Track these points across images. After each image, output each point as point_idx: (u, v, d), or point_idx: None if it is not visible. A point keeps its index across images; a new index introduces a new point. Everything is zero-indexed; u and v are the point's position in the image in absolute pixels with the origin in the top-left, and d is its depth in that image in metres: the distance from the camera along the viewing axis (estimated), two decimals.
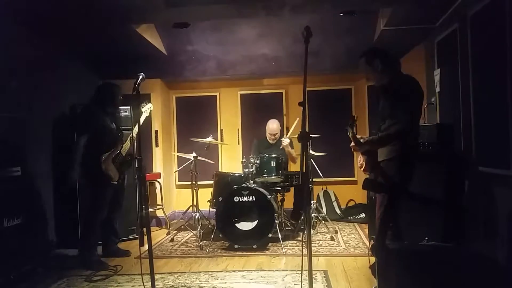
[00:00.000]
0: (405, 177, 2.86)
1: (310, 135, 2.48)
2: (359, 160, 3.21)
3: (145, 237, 2.72)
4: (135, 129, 4.05)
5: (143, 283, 2.93)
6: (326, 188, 6.06)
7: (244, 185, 4.47)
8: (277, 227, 4.38)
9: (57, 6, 3.73)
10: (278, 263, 3.94)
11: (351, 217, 5.74)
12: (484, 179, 3.36)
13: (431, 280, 1.87)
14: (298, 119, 5.51)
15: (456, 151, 3.81)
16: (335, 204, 5.93)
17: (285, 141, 5.01)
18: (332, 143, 5.74)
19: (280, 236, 4.35)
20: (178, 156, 5.99)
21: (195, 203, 4.99)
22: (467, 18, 3.54)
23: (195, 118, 6.32)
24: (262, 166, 4.64)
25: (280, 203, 5.01)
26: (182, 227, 5.27)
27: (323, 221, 5.21)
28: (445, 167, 3.58)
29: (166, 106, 6.23)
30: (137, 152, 2.78)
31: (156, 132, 5.94)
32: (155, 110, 5.88)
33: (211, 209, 4.95)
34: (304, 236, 4.60)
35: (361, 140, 3.00)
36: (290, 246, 4.48)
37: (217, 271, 3.72)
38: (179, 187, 6.39)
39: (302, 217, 4.79)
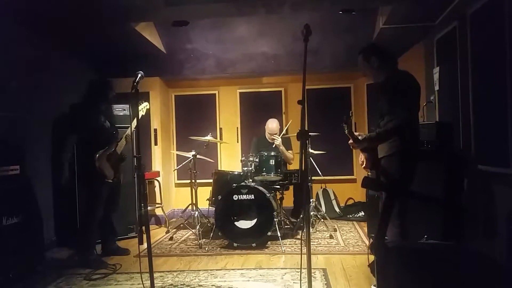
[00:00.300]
0: (407, 173, 2.85)
1: (309, 134, 2.48)
2: (360, 157, 3.21)
3: (144, 236, 2.71)
4: (131, 127, 4.04)
5: (142, 281, 2.93)
6: (325, 187, 6.07)
7: (243, 183, 4.47)
8: (276, 226, 4.38)
9: (57, 6, 3.73)
10: (277, 261, 3.94)
11: (350, 215, 5.75)
12: (483, 177, 3.36)
13: (430, 278, 1.87)
14: (291, 121, 5.53)
15: (455, 149, 3.81)
16: (334, 202, 5.93)
17: (277, 140, 5.00)
18: (331, 141, 5.74)
19: (279, 235, 4.35)
20: (177, 154, 5.99)
21: (194, 202, 4.99)
22: (467, 16, 3.54)
23: (194, 116, 6.32)
24: (261, 165, 4.65)
25: (279, 202, 5.02)
26: (181, 225, 5.27)
27: (322, 220, 5.21)
28: (444, 165, 3.58)
29: (165, 104, 6.23)
30: (136, 151, 2.77)
31: (155, 130, 5.94)
32: (154, 109, 5.88)
33: (210, 207, 4.95)
34: (303, 234, 4.62)
35: (359, 137, 3.00)
36: (289, 244, 4.49)
37: (216, 270, 3.72)
38: (178, 185, 6.39)
39: (301, 215, 4.81)
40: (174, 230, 5.26)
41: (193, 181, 4.95)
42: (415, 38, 4.86)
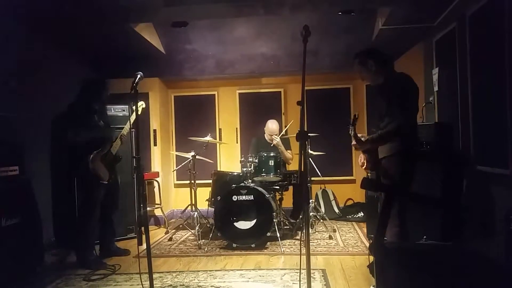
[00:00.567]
0: (407, 173, 2.88)
1: (309, 134, 2.49)
2: (360, 159, 3.23)
3: (144, 236, 2.72)
4: (126, 128, 4.01)
5: (141, 282, 2.93)
6: (325, 187, 6.07)
7: (242, 184, 4.47)
8: (276, 226, 4.38)
9: (57, 6, 3.73)
10: (277, 262, 3.94)
11: (350, 216, 5.75)
12: (482, 178, 3.36)
13: (429, 279, 1.87)
14: (292, 121, 5.53)
15: (455, 150, 3.81)
16: (333, 203, 5.94)
17: (276, 139, 5.02)
18: (331, 142, 5.75)
19: (278, 235, 4.35)
20: (176, 155, 5.99)
21: (193, 202, 4.99)
22: (466, 17, 3.54)
23: (193, 117, 6.32)
24: (260, 165, 4.65)
25: (278, 202, 5.02)
26: (181, 226, 5.27)
27: (321, 220, 5.22)
28: (443, 166, 3.58)
29: (164, 105, 6.23)
30: (135, 151, 2.77)
31: (155, 131, 5.94)
32: (154, 109, 5.89)
33: (209, 208, 4.94)
34: (302, 235, 4.62)
35: (362, 139, 3.03)
36: (288, 245, 4.49)
37: (216, 270, 3.72)
38: (177, 186, 6.39)
39: (301, 216, 4.81)
40: (174, 230, 5.26)
41: (193, 181, 4.95)
42: (414, 39, 4.87)
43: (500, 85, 2.96)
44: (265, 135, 5.28)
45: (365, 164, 3.13)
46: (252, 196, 4.35)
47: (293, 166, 5.41)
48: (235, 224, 4.34)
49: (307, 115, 2.90)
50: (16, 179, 3.60)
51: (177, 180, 6.34)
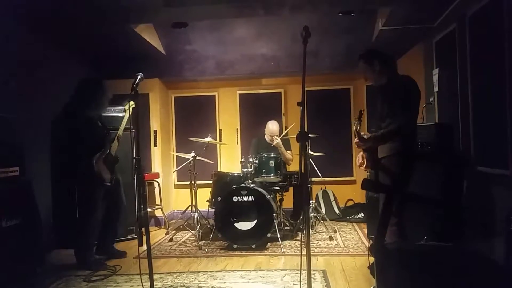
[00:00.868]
0: (406, 173, 2.90)
1: (309, 135, 2.49)
2: (358, 158, 3.24)
3: (144, 237, 2.71)
4: (121, 128, 4.00)
5: (141, 283, 2.93)
6: (325, 188, 6.07)
7: (243, 185, 4.47)
8: (276, 227, 4.38)
9: (57, 6, 3.73)
10: (277, 263, 3.94)
11: (350, 217, 5.75)
12: (483, 179, 3.36)
13: (429, 279, 1.87)
14: (294, 123, 5.53)
15: (455, 151, 3.81)
16: (334, 203, 5.94)
17: (276, 139, 5.02)
18: (331, 143, 5.75)
19: (279, 236, 4.35)
20: (176, 156, 5.99)
21: (194, 203, 4.99)
22: (466, 18, 3.55)
23: (193, 118, 6.32)
24: (261, 166, 4.65)
25: (279, 203, 5.02)
26: (181, 227, 5.27)
27: (322, 221, 5.22)
28: (444, 167, 3.58)
29: (164, 106, 6.23)
30: (136, 152, 2.77)
31: (155, 132, 5.94)
32: (154, 110, 5.89)
33: (210, 209, 4.94)
34: (303, 235, 4.62)
35: (365, 137, 3.05)
36: (289, 245, 4.48)
37: (216, 271, 3.72)
38: (177, 187, 6.39)
39: (301, 217, 4.81)
40: (174, 231, 5.26)
41: (193, 182, 4.95)
42: (414, 40, 4.87)
43: (500, 85, 2.96)
44: (265, 136, 5.28)
45: (365, 163, 3.15)
46: (252, 197, 4.35)
47: (293, 166, 5.41)
48: (236, 225, 4.34)
49: (308, 116, 2.91)
50: (16, 180, 3.60)
51: (177, 181, 6.34)
